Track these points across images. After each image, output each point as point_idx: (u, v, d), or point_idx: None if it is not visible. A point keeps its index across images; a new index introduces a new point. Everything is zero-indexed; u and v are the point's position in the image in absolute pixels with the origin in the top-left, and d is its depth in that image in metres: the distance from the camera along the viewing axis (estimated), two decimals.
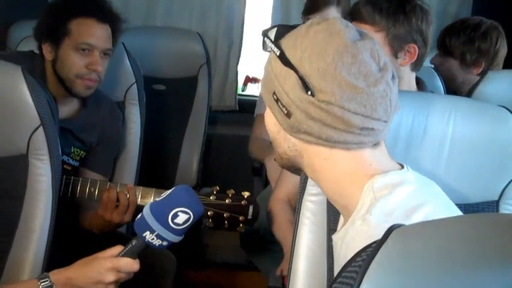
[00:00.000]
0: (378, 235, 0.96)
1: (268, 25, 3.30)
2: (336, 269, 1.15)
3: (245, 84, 3.47)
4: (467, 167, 1.40)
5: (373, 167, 1.08)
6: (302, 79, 1.04)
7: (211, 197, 1.77)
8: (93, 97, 2.04)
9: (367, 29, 1.71)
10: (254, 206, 1.78)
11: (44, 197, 1.59)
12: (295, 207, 2.02)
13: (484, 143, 1.40)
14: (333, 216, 1.41)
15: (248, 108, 3.33)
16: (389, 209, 1.01)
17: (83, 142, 2.05)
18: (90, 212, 1.94)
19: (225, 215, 1.75)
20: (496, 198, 1.43)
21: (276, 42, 1.10)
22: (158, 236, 1.21)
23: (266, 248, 2.32)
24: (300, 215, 1.46)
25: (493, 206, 1.42)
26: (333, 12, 2.50)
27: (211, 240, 3.10)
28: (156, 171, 2.63)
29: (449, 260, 0.60)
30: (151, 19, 3.29)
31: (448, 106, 1.43)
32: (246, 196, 1.79)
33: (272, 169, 2.32)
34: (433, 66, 2.47)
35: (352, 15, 1.79)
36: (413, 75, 1.83)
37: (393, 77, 1.09)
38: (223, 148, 3.24)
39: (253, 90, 3.52)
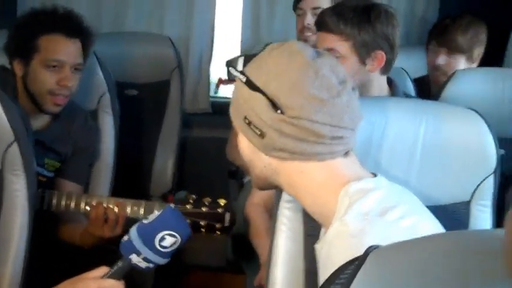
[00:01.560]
0: (356, 234, 1.01)
1: (238, 27, 3.33)
2: (321, 275, 1.17)
3: (217, 86, 3.47)
4: (439, 170, 1.44)
5: (346, 175, 1.13)
6: (270, 99, 1.09)
7: (188, 206, 1.78)
8: (66, 108, 2.02)
9: (333, 38, 1.75)
10: (231, 213, 1.79)
11: (20, 212, 1.58)
12: (270, 212, 2.06)
13: (455, 145, 1.43)
14: (309, 222, 1.43)
15: (222, 110, 3.32)
16: (365, 209, 1.06)
17: (56, 153, 2.04)
18: (69, 224, 1.93)
19: (202, 223, 1.75)
20: (467, 199, 1.46)
21: (240, 69, 1.16)
22: (145, 259, 1.21)
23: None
24: (277, 222, 1.48)
25: (465, 206, 1.46)
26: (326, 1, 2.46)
27: (189, 244, 3.09)
28: (130, 177, 2.61)
29: (428, 280, 0.61)
30: (122, 25, 3.26)
31: (419, 110, 1.46)
32: (222, 204, 1.80)
33: None
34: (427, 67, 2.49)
35: (318, 25, 1.81)
36: (383, 78, 1.85)
37: (353, 88, 1.15)
38: (198, 151, 3.24)
39: (226, 91, 3.52)
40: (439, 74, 2.47)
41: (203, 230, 1.76)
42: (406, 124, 1.43)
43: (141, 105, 2.89)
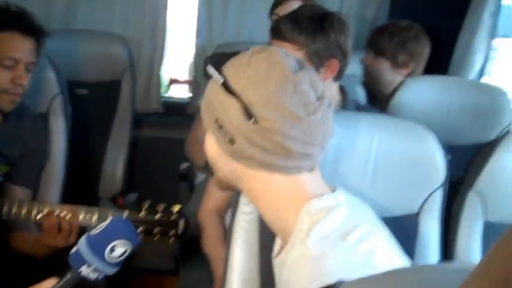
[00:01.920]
0: (317, 257, 1.03)
1: (192, 28, 3.31)
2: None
3: (169, 85, 3.46)
4: (390, 183, 1.49)
5: (309, 191, 1.14)
6: (246, 107, 1.08)
7: (141, 213, 1.77)
8: (14, 109, 1.99)
9: (287, 46, 1.76)
10: (184, 220, 1.80)
11: None
12: (223, 218, 2.08)
13: (405, 159, 1.49)
14: (265, 234, 1.46)
15: (173, 110, 3.33)
16: (326, 232, 1.07)
17: (5, 157, 1.99)
18: (20, 233, 1.90)
19: (155, 230, 1.76)
20: (416, 210, 1.52)
21: (219, 69, 1.13)
22: (95, 270, 1.20)
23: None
24: (233, 233, 1.50)
25: (414, 218, 1.52)
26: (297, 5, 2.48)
27: (140, 247, 3.07)
28: (80, 178, 2.57)
29: None
30: (73, 22, 3.20)
31: (372, 125, 1.51)
32: (176, 210, 1.80)
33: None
34: (362, 65, 2.54)
35: (273, 33, 1.83)
36: (335, 86, 1.89)
37: (329, 104, 1.15)
38: (149, 151, 3.22)
39: (177, 92, 3.51)
40: (366, 74, 2.55)
41: (157, 236, 1.76)
42: (360, 138, 1.48)
43: (91, 104, 2.85)
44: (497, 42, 2.76)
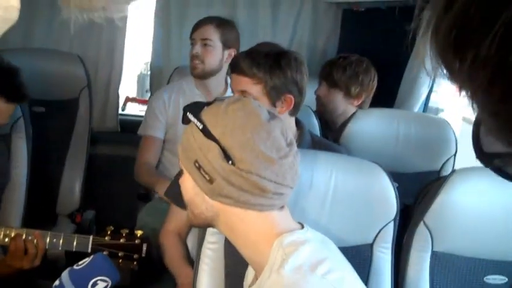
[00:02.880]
0: (289, 285, 1.13)
1: (148, 49, 3.38)
2: None
3: (125, 104, 3.51)
4: (346, 215, 1.61)
5: (280, 227, 1.25)
6: (224, 150, 1.19)
7: (106, 237, 1.84)
8: None
9: (247, 81, 1.87)
10: (147, 244, 1.87)
11: None
12: (184, 240, 2.16)
13: (360, 194, 1.61)
14: (229, 261, 1.56)
15: (129, 128, 3.37)
16: (299, 263, 1.17)
17: None
18: None
19: (120, 254, 1.82)
20: (370, 241, 1.65)
21: (198, 116, 1.23)
22: None
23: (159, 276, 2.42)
24: (200, 262, 1.60)
25: (368, 248, 1.65)
26: (212, 30, 2.61)
27: None
28: (37, 194, 2.60)
29: None
30: (30, 41, 3.22)
31: (330, 162, 1.63)
32: (139, 235, 1.87)
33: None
34: (315, 97, 2.67)
35: (232, 67, 1.93)
36: (292, 119, 2.00)
37: (297, 151, 1.27)
38: (106, 168, 3.26)
39: (133, 109, 3.57)
40: (319, 104, 2.69)
41: (121, 260, 1.83)
42: (318, 175, 1.59)
43: (48, 122, 2.88)
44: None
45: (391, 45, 2.82)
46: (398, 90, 2.84)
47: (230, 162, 1.18)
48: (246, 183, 1.19)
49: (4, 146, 2.23)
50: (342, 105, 2.60)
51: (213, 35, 2.61)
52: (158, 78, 3.34)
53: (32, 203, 2.39)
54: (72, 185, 2.89)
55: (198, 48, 2.61)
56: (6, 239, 1.83)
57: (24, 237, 1.81)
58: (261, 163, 1.18)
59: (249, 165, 1.18)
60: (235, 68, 1.92)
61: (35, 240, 1.80)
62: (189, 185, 1.28)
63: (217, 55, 2.62)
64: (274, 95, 1.88)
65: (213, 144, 1.20)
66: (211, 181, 1.21)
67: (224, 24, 2.64)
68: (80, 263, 1.30)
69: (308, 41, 3.41)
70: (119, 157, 3.16)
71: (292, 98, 1.90)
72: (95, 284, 1.27)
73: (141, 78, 4.03)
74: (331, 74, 2.59)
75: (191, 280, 1.69)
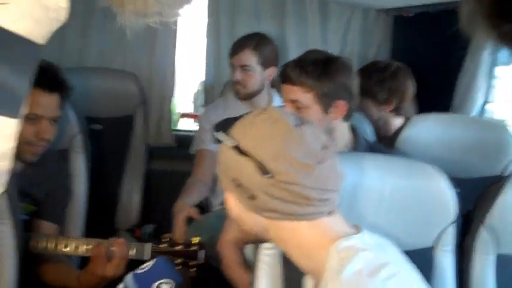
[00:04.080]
0: None
1: (201, 64, 3.43)
2: None
3: (180, 119, 3.57)
4: (404, 219, 1.58)
5: (333, 232, 1.21)
6: (259, 164, 1.16)
7: (163, 245, 1.86)
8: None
9: (297, 90, 1.87)
10: (205, 251, 1.88)
11: (8, 259, 1.61)
12: (242, 249, 2.16)
13: (417, 197, 1.58)
14: (287, 267, 1.55)
15: (185, 143, 3.41)
16: (358, 269, 1.13)
17: (30, 197, 2.07)
18: (50, 264, 1.97)
19: (177, 261, 1.84)
20: (430, 245, 1.61)
21: (228, 134, 1.22)
22: None
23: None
24: (257, 268, 1.59)
25: (429, 252, 1.61)
26: (249, 55, 2.64)
27: None
28: (97, 210, 2.65)
29: None
30: (85, 60, 3.31)
31: (385, 165, 1.60)
32: (196, 242, 1.89)
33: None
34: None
35: (282, 77, 1.94)
36: (345, 125, 1.99)
37: (335, 152, 1.23)
38: (163, 183, 3.31)
39: (188, 125, 3.62)
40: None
41: (179, 267, 1.84)
42: (373, 178, 1.57)
43: (106, 139, 2.96)
44: (499, 70, 2.83)
45: (444, 49, 2.79)
46: (453, 95, 2.78)
47: (268, 175, 1.15)
48: (289, 195, 1.16)
49: (63, 162, 2.28)
50: (374, 112, 2.59)
51: (251, 60, 2.65)
52: (211, 94, 3.38)
53: (91, 218, 2.44)
54: (130, 200, 2.96)
55: (238, 75, 2.67)
56: (66, 249, 1.86)
57: (106, 245, 1.82)
58: (298, 171, 1.15)
59: (286, 176, 1.15)
60: (284, 78, 1.93)
61: (118, 249, 1.81)
62: (233, 204, 1.26)
63: (258, 77, 2.67)
64: (325, 102, 1.87)
65: (247, 159, 1.17)
66: (253, 197, 1.19)
67: (261, 44, 2.67)
68: (142, 266, 1.32)
69: (359, 50, 3.39)
70: (175, 172, 3.19)
71: (344, 104, 1.90)
72: (158, 287, 1.28)
73: (196, 94, 4.09)
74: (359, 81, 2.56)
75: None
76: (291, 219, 1.19)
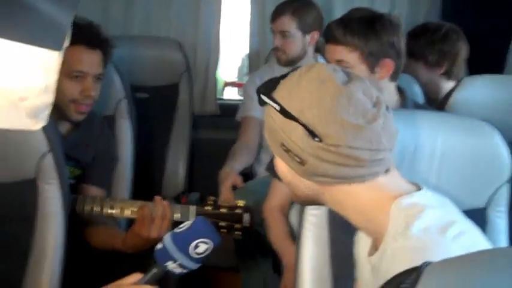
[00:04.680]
0: (419, 250, 1.05)
1: (246, 31, 3.39)
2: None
3: (223, 88, 3.56)
4: (456, 178, 1.52)
5: (392, 190, 1.16)
6: (307, 128, 1.10)
7: (208, 208, 1.85)
8: (84, 116, 2.08)
9: (342, 50, 1.82)
10: (250, 214, 1.86)
11: (55, 219, 1.63)
12: (287, 215, 2.14)
13: (470, 156, 1.51)
14: (334, 227, 1.52)
15: (229, 112, 3.41)
16: (425, 225, 1.08)
17: (76, 161, 2.09)
18: (102, 227, 1.99)
19: (222, 223, 1.82)
20: (482, 205, 1.55)
21: (272, 97, 1.16)
22: (180, 265, 1.28)
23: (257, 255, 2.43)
24: (303, 229, 1.56)
25: (481, 213, 1.55)
26: (287, 21, 2.63)
27: None
28: (143, 179, 2.67)
29: None
30: (130, 28, 3.32)
31: (436, 122, 1.54)
32: (241, 205, 1.87)
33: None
34: None
35: (325, 37, 1.89)
36: (392, 85, 1.93)
37: (387, 108, 1.17)
38: (207, 152, 3.31)
39: (232, 94, 3.60)
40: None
41: (224, 230, 1.82)
42: (424, 135, 1.51)
43: (151, 108, 2.96)
44: None
45: (497, 10, 2.69)
46: (506, 58, 2.68)
47: (316, 139, 1.09)
48: (338, 157, 1.10)
49: (109, 127, 2.29)
50: (424, 75, 2.50)
51: (290, 25, 2.63)
52: (256, 61, 3.35)
53: (137, 186, 2.45)
54: (176, 168, 2.97)
55: (278, 41, 2.66)
56: (112, 210, 1.88)
57: (150, 207, 1.83)
58: (349, 133, 1.08)
59: (335, 139, 1.08)
60: (328, 37, 1.88)
61: (161, 210, 1.81)
62: (283, 169, 1.22)
63: (298, 43, 2.65)
64: (371, 61, 1.83)
65: (294, 123, 1.11)
66: (302, 163, 1.13)
67: (300, 9, 2.64)
68: (180, 226, 1.30)
69: (407, 13, 3.30)
70: (220, 141, 3.19)
71: (391, 62, 1.84)
72: (196, 246, 1.27)
73: (240, 63, 4.07)
74: (408, 43, 2.47)
75: None
76: (343, 182, 1.14)
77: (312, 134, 1.10)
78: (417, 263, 1.01)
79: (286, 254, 2.00)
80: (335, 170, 1.12)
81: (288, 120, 1.12)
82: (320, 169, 1.12)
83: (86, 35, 1.98)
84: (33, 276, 1.61)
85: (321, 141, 1.09)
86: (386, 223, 1.13)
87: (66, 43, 0.68)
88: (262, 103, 1.18)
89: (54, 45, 0.67)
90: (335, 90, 1.11)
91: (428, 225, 1.08)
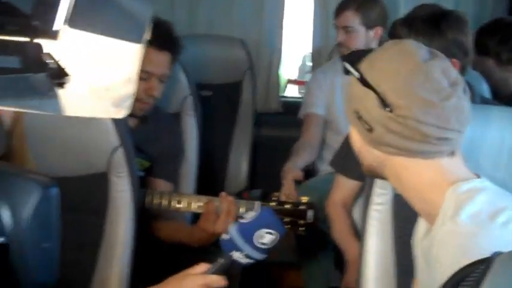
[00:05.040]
0: (468, 234, 1.07)
1: (309, 28, 3.41)
2: (423, 273, 1.24)
3: (286, 85, 3.57)
4: None
5: (452, 175, 1.18)
6: (380, 97, 1.15)
7: (271, 203, 1.87)
8: (152, 112, 2.15)
9: None
10: (314, 211, 1.88)
11: (125, 211, 1.69)
12: (350, 211, 2.15)
13: None
14: (398, 222, 1.51)
15: (291, 110, 3.43)
16: (475, 211, 1.10)
17: (145, 153, 2.15)
18: (169, 222, 2.04)
19: (285, 219, 1.84)
20: None
21: (355, 66, 1.20)
22: (246, 256, 1.31)
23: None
24: (367, 224, 1.56)
25: None
26: (351, 16, 2.61)
27: None
28: (206, 175, 2.71)
29: None
30: (194, 28, 3.38)
31: (504, 117, 1.52)
32: (305, 201, 1.89)
33: None
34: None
35: (391, 36, 1.88)
36: None
37: (465, 90, 1.19)
38: (270, 149, 3.33)
39: (294, 92, 3.62)
40: None
41: (288, 226, 1.84)
42: (492, 130, 1.48)
43: (215, 105, 3.01)
44: None
45: None
46: None
47: (387, 109, 1.14)
48: (406, 130, 1.14)
49: (177, 124, 2.35)
50: (496, 72, 2.42)
51: (354, 21, 2.61)
52: (318, 59, 3.36)
53: (201, 182, 2.51)
54: (239, 165, 3.01)
55: (341, 36, 2.65)
56: (179, 205, 1.92)
57: (216, 202, 1.88)
58: (419, 107, 1.12)
59: (405, 111, 1.13)
60: (393, 36, 1.87)
61: (226, 205, 1.86)
62: (355, 136, 1.26)
63: (361, 38, 2.63)
64: None
65: (370, 92, 1.16)
66: (371, 130, 1.17)
67: (364, 4, 2.62)
68: (247, 216, 1.33)
69: (473, 10, 3.24)
70: (282, 138, 3.21)
71: (458, 62, 1.81)
72: (261, 236, 1.29)
73: (302, 60, 4.08)
74: (479, 40, 2.39)
75: None
76: (406, 155, 1.17)
77: (384, 103, 1.14)
78: (466, 248, 1.02)
79: (350, 249, 2.01)
80: (400, 142, 1.15)
81: (365, 88, 1.17)
82: (386, 139, 1.16)
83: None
84: (104, 267, 1.66)
85: (391, 111, 1.14)
86: (439, 207, 1.15)
87: (147, 36, 0.72)
88: (346, 71, 1.23)
89: (136, 38, 0.71)
90: (414, 65, 1.15)
91: (479, 211, 1.09)
